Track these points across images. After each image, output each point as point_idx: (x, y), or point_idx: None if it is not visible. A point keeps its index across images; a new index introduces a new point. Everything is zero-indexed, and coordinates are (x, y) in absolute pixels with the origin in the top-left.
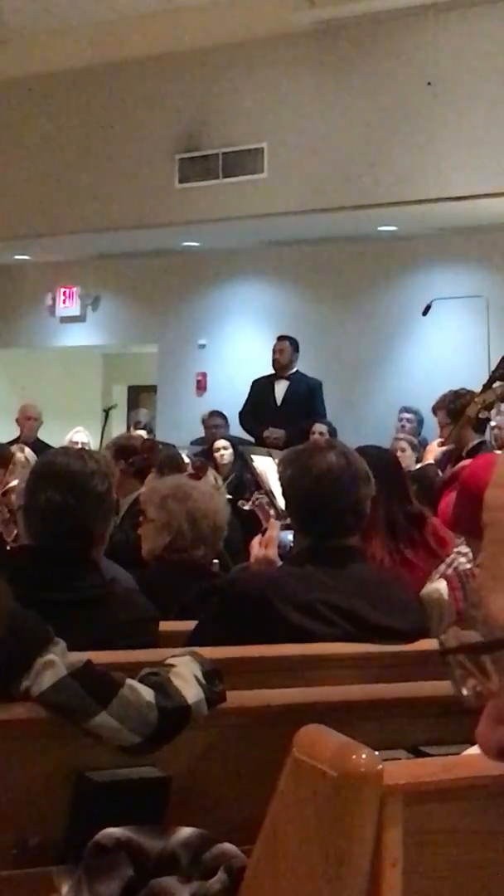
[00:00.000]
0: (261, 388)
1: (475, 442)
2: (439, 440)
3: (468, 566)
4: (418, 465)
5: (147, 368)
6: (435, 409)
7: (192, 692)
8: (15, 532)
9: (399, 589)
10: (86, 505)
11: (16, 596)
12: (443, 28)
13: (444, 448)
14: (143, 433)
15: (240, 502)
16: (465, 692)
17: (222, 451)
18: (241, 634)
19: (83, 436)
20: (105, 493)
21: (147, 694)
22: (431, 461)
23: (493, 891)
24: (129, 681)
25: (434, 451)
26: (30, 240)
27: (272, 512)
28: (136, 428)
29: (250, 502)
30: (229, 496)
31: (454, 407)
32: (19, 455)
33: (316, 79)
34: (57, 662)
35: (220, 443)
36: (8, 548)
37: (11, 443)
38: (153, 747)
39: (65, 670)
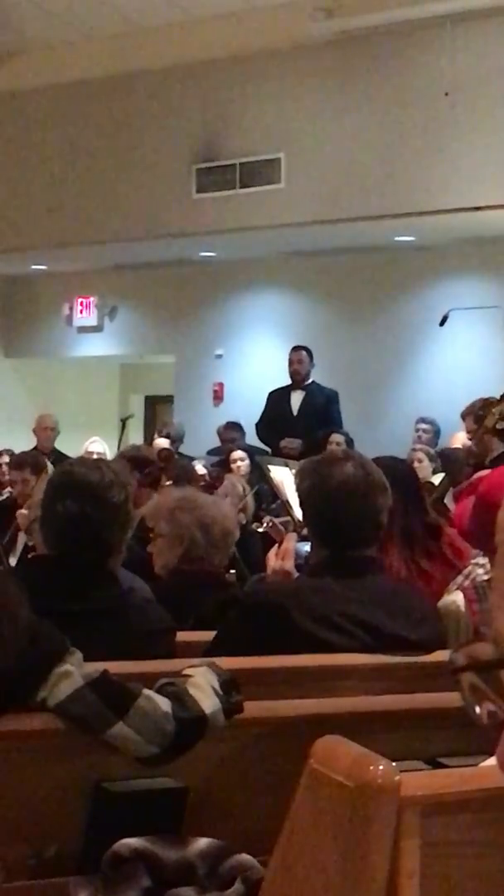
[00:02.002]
0: (277, 398)
1: (499, 452)
2: (467, 434)
3: (485, 578)
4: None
5: (164, 379)
6: (464, 416)
7: (208, 703)
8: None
9: (416, 600)
10: (103, 515)
11: (33, 606)
12: (460, 39)
13: (469, 444)
14: (164, 442)
15: (254, 524)
16: (477, 710)
17: (239, 463)
18: (258, 645)
19: (100, 446)
20: (122, 503)
21: (164, 704)
22: (458, 446)
23: None
24: (145, 691)
25: (459, 440)
26: (47, 250)
27: (284, 527)
28: (159, 435)
29: (264, 524)
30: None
31: (483, 414)
32: None
33: (333, 89)
34: (73, 673)
35: (237, 454)
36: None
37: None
38: (170, 758)
39: (81, 681)
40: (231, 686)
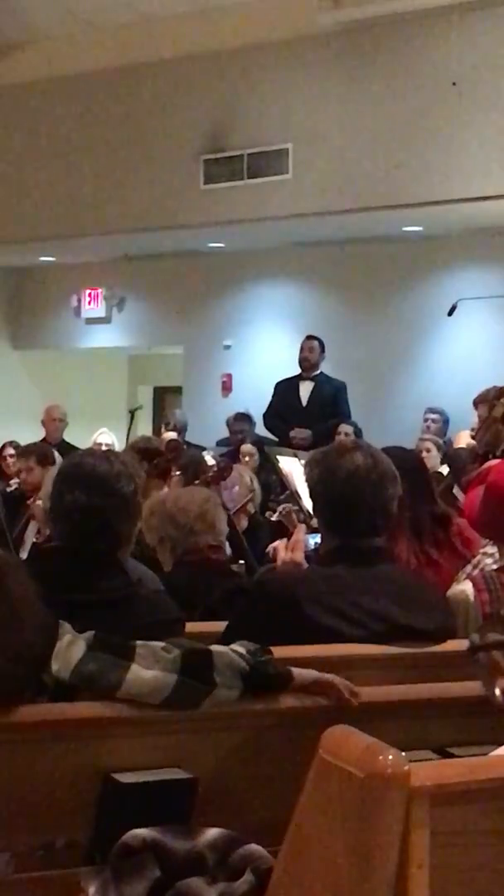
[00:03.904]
0: (285, 389)
1: None
2: (472, 431)
3: (494, 567)
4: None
5: (172, 370)
6: (476, 403)
7: (217, 649)
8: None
9: (426, 590)
10: (112, 506)
11: (42, 596)
12: (467, 28)
13: (473, 444)
14: (172, 434)
15: (267, 513)
16: (497, 692)
17: (248, 458)
18: (269, 635)
19: (108, 437)
20: (131, 494)
21: (158, 644)
22: (463, 446)
23: None
24: (138, 642)
25: (464, 439)
26: (55, 241)
27: (298, 516)
28: (166, 429)
29: (278, 512)
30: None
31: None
32: None
33: (341, 79)
34: (76, 640)
35: (246, 448)
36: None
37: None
38: (191, 689)
39: (85, 644)
40: (259, 650)
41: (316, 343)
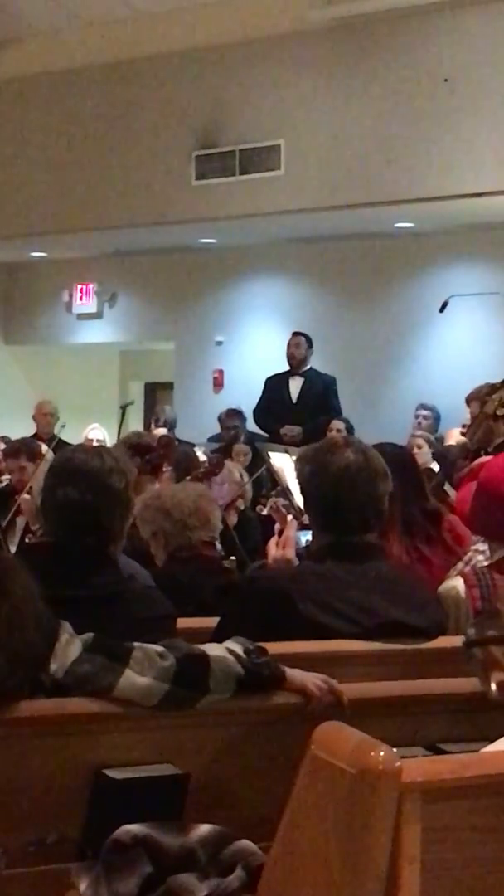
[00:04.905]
0: (275, 384)
1: (502, 439)
2: (461, 429)
3: (485, 564)
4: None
5: (164, 365)
6: (468, 400)
7: (211, 649)
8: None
9: (418, 586)
10: (103, 502)
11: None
12: (460, 24)
13: (463, 441)
14: (162, 430)
15: (258, 507)
16: (493, 687)
17: (242, 458)
18: (261, 631)
19: (99, 433)
20: (122, 489)
21: (156, 647)
22: (453, 443)
23: None
24: (136, 643)
25: (454, 437)
26: (47, 237)
27: (287, 512)
28: (156, 425)
29: (268, 507)
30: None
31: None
32: None
33: (333, 76)
34: (74, 640)
35: (240, 448)
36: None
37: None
38: (184, 696)
39: (81, 645)
40: (256, 650)
41: (302, 339)
